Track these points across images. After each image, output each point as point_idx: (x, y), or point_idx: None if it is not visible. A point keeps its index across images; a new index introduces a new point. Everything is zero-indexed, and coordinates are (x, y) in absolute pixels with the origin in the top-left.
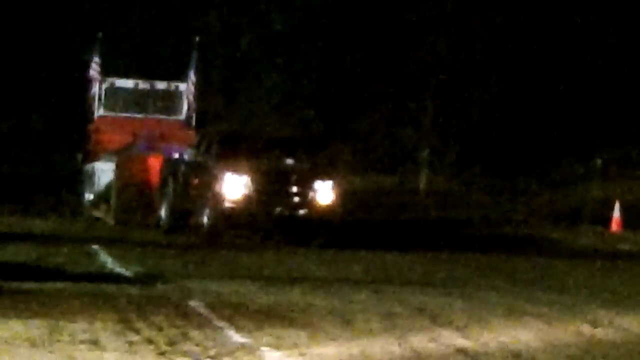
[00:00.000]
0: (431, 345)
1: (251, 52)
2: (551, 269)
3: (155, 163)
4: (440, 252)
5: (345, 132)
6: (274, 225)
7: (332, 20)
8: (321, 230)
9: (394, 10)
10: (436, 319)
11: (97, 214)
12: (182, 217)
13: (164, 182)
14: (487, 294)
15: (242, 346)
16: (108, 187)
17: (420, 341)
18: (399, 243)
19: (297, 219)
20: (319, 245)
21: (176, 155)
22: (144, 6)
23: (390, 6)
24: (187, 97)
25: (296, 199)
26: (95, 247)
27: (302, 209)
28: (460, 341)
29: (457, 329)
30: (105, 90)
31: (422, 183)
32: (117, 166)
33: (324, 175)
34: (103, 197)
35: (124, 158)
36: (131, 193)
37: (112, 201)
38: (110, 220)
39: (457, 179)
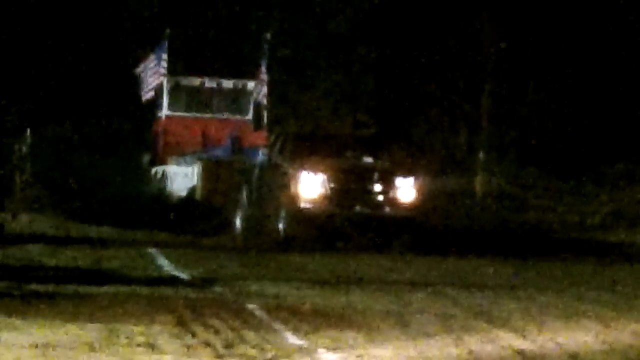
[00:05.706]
0: (488, 346)
1: (308, 54)
2: (608, 270)
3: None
4: (497, 255)
5: (401, 134)
6: (353, 226)
7: (388, 22)
8: (403, 231)
9: (451, 12)
10: (493, 321)
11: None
12: (257, 223)
13: (237, 188)
14: (543, 295)
15: (299, 348)
16: (190, 191)
17: (477, 343)
18: (455, 246)
19: (379, 218)
20: (402, 247)
21: (253, 158)
22: (208, 4)
23: (446, 9)
24: (258, 96)
25: (378, 197)
26: (151, 250)
27: (384, 207)
28: (518, 342)
29: (514, 330)
30: (171, 89)
31: (479, 186)
32: (202, 171)
33: (405, 172)
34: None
35: (210, 163)
36: (216, 200)
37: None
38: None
39: (514, 181)
